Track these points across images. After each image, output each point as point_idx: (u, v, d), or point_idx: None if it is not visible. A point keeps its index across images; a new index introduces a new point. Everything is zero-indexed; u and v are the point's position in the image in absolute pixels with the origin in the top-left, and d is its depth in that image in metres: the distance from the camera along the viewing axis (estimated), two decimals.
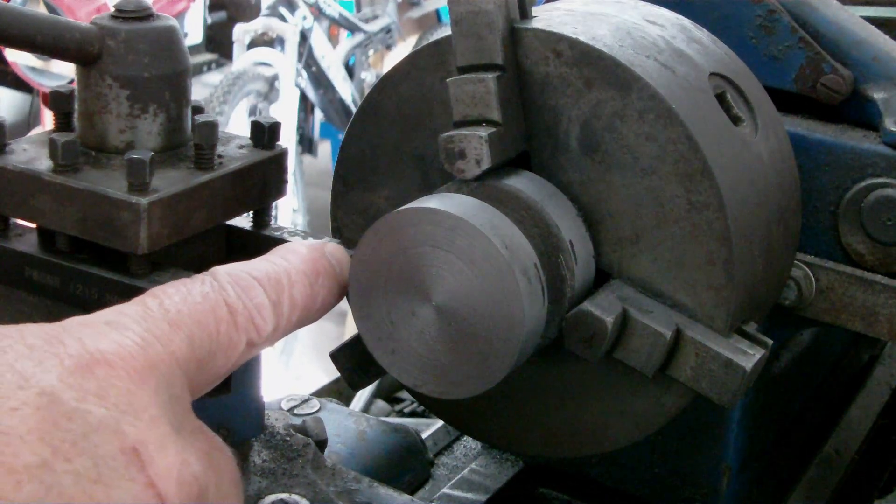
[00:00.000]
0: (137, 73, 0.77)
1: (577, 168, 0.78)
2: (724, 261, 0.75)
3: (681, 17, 0.88)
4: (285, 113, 5.48)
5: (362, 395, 1.91)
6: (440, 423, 1.22)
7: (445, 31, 0.80)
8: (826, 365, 1.33)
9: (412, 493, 1.10)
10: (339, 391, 1.69)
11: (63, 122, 0.81)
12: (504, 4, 0.76)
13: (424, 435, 1.19)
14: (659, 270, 0.77)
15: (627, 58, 0.76)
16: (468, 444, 1.21)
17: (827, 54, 0.99)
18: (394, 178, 0.86)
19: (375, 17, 6.78)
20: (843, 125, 1.00)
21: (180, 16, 6.28)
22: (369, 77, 6.60)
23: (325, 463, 0.88)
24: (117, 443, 0.54)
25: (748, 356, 0.75)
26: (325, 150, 6.55)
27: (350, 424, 1.12)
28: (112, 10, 0.78)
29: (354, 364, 0.87)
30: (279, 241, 0.82)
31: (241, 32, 5.67)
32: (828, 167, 0.98)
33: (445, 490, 1.11)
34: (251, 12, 6.24)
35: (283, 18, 5.69)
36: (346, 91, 6.15)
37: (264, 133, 0.83)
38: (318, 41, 5.91)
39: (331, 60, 6.03)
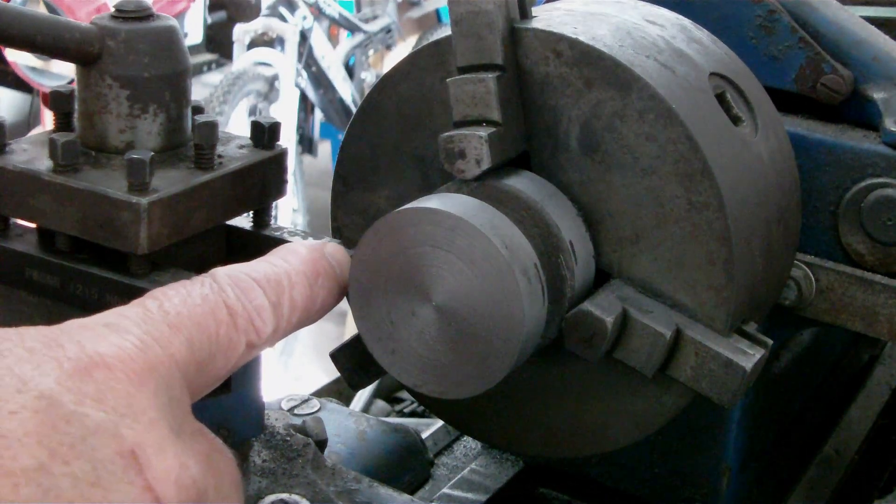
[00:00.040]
0: (137, 73, 0.77)
1: (577, 168, 0.78)
2: (724, 261, 0.75)
3: (681, 17, 0.88)
4: (285, 113, 5.48)
5: (362, 395, 1.91)
6: (440, 423, 1.22)
7: (445, 31, 0.80)
8: (826, 365, 1.33)
9: (412, 493, 1.10)
10: (339, 391, 1.69)
11: (63, 122, 0.81)
12: (504, 4, 0.76)
13: (424, 435, 1.19)
14: (659, 270, 0.77)
15: (627, 58, 0.76)
16: (468, 444, 1.21)
17: (827, 54, 0.99)
18: (394, 178, 0.86)
19: (375, 17, 6.79)
20: (843, 125, 1.00)
21: (180, 16, 6.27)
22: (369, 77, 6.60)
23: (325, 463, 0.88)
24: (115, 446, 0.54)
25: (748, 356, 0.75)
26: (325, 150, 6.55)
27: (350, 424, 1.12)
28: (112, 10, 0.78)
29: (354, 364, 0.87)
30: (279, 242, 0.82)
31: (241, 32, 5.67)
32: (828, 167, 0.98)
33: (445, 490, 1.11)
34: (251, 12, 6.24)
35: (283, 18, 5.69)
36: (346, 91, 6.15)
37: (264, 133, 0.83)
38: (318, 41, 5.91)
39: (331, 60, 6.03)
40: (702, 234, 0.75)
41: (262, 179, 0.82)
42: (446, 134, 0.75)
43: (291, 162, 3.84)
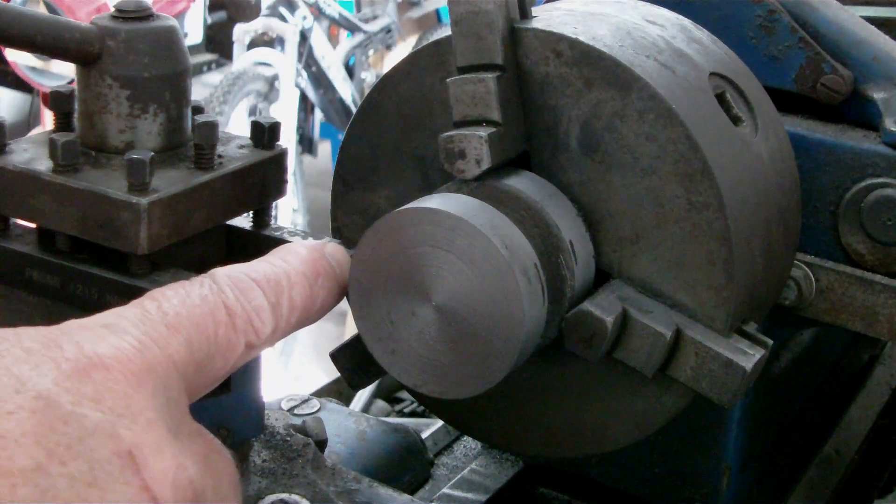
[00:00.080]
0: (137, 73, 0.77)
1: (577, 168, 0.78)
2: (724, 261, 0.75)
3: (681, 17, 0.88)
4: (285, 113, 5.48)
5: (362, 395, 1.91)
6: (440, 423, 1.22)
7: (445, 31, 0.80)
8: (826, 365, 1.33)
9: (412, 493, 1.10)
10: (339, 391, 1.69)
11: (63, 122, 0.81)
12: (504, 4, 0.76)
13: (424, 435, 1.19)
14: (659, 270, 0.77)
15: (627, 58, 0.76)
16: (468, 444, 1.21)
17: (827, 54, 0.99)
18: (394, 178, 0.86)
19: (375, 17, 6.79)
20: (843, 125, 1.00)
21: (180, 16, 6.27)
22: (369, 77, 6.60)
23: (325, 463, 0.88)
24: (113, 446, 0.54)
25: (748, 356, 0.75)
26: (325, 150, 6.55)
27: (350, 424, 1.12)
28: (112, 10, 0.78)
29: (354, 364, 0.87)
30: (279, 241, 0.82)
31: (241, 32, 5.67)
32: (828, 167, 0.98)
33: (445, 490, 1.11)
34: (251, 12, 6.24)
35: (283, 18, 5.69)
36: (346, 91, 6.15)
37: (264, 133, 0.83)
38: (318, 41, 5.91)
39: (331, 60, 6.03)
40: (702, 234, 0.75)
41: (262, 179, 0.82)
42: (446, 134, 0.75)
43: (291, 162, 3.84)
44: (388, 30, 6.82)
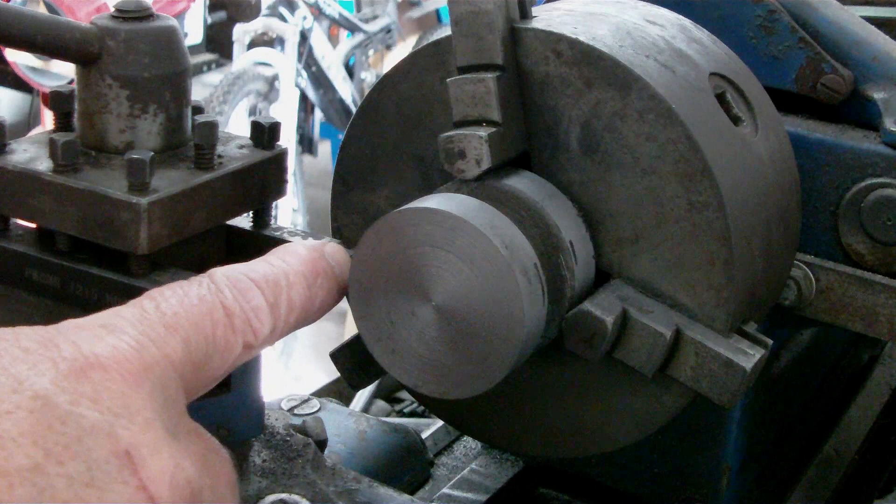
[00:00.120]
0: (137, 73, 0.77)
1: (577, 168, 0.78)
2: (724, 261, 0.75)
3: (681, 17, 0.88)
4: (285, 113, 5.48)
5: (362, 395, 1.91)
6: (440, 423, 1.22)
7: (445, 31, 0.80)
8: (826, 365, 1.33)
9: (412, 493, 1.10)
10: (339, 391, 1.69)
11: (63, 122, 0.81)
12: (504, 4, 0.76)
13: (424, 435, 1.19)
14: (659, 270, 0.77)
15: (627, 58, 0.76)
16: (468, 444, 1.21)
17: (827, 54, 0.99)
18: (394, 178, 0.86)
19: (375, 17, 6.78)
20: (843, 125, 1.00)
21: (180, 16, 6.26)
22: (369, 77, 6.60)
23: (325, 463, 0.88)
24: (110, 446, 0.54)
25: (748, 356, 0.75)
26: (325, 150, 6.55)
27: (350, 424, 1.12)
28: (112, 10, 0.78)
29: (354, 364, 0.87)
30: (279, 242, 0.82)
31: (241, 32, 5.67)
32: (828, 167, 0.98)
33: (445, 490, 1.11)
34: (251, 12, 6.24)
35: (283, 18, 5.69)
36: (346, 91, 6.15)
37: (264, 133, 0.83)
38: (318, 41, 5.91)
39: (331, 60, 6.03)
40: (702, 234, 0.75)
41: (262, 179, 0.82)
42: (446, 134, 0.75)
43: (291, 162, 3.84)
44: (388, 30, 6.82)
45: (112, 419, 0.55)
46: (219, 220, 0.79)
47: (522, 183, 0.77)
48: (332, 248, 0.74)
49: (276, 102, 5.54)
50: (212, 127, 0.77)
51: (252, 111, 5.40)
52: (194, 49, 7.19)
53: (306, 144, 6.14)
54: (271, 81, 5.51)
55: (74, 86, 0.80)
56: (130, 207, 0.72)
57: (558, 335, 0.76)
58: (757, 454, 1.11)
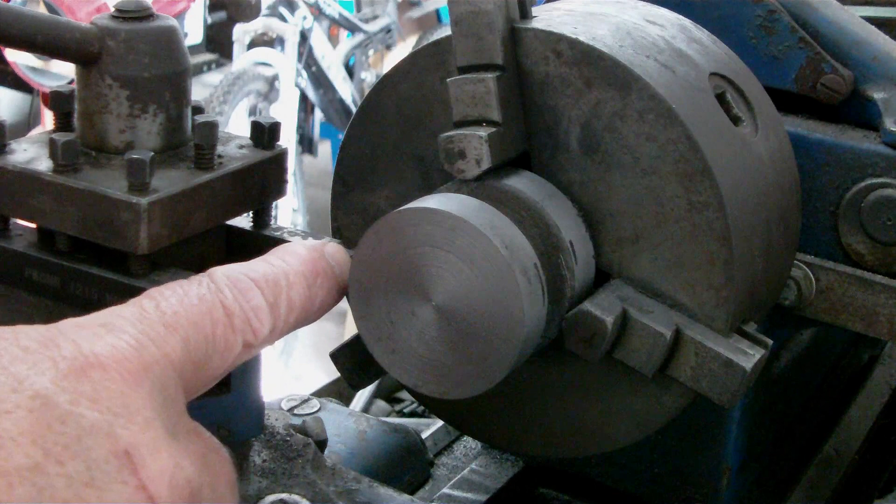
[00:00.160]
0: (137, 73, 0.77)
1: (577, 168, 0.78)
2: (724, 261, 0.75)
3: (681, 17, 0.88)
4: (285, 113, 5.48)
5: (362, 395, 1.92)
6: (440, 423, 1.22)
7: (445, 31, 0.80)
8: (826, 365, 1.33)
9: (412, 493, 1.10)
10: (339, 391, 1.69)
11: (63, 122, 0.81)
12: (504, 4, 0.76)
13: (424, 435, 1.19)
14: (659, 270, 0.77)
15: (627, 58, 0.76)
16: (468, 444, 1.21)
17: (827, 54, 0.99)
18: (394, 178, 0.86)
19: (375, 17, 6.78)
20: (843, 125, 1.00)
21: (180, 16, 6.26)
22: (369, 77, 6.60)
23: (325, 463, 0.88)
24: (110, 446, 0.54)
25: (748, 356, 0.75)
26: (325, 150, 6.55)
27: (350, 424, 1.12)
28: (112, 10, 0.78)
29: (354, 364, 0.87)
30: (279, 242, 0.82)
31: (241, 32, 5.67)
32: (828, 167, 0.98)
33: (445, 490, 1.11)
34: (251, 12, 6.24)
35: (283, 18, 5.69)
36: (346, 91, 6.15)
37: (264, 133, 0.83)
38: (318, 41, 5.91)
39: (331, 60, 6.03)
40: (702, 234, 0.75)
41: (262, 179, 0.82)
42: (446, 134, 0.75)
43: (291, 162, 3.84)
44: (388, 30, 6.82)
45: (111, 419, 0.55)
46: (219, 220, 0.79)
47: (522, 183, 0.77)
48: (332, 248, 0.74)
49: (276, 102, 5.54)
50: (212, 127, 0.77)
51: (252, 111, 5.40)
52: (194, 49, 7.19)
53: (306, 144, 6.14)
54: (271, 81, 5.51)
55: (74, 86, 0.80)
56: (130, 207, 0.72)
57: (558, 335, 0.76)
58: (757, 454, 1.11)
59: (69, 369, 0.56)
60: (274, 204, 0.85)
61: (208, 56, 7.60)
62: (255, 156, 0.82)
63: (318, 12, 5.98)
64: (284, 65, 5.55)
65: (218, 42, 7.49)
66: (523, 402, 0.85)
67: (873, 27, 1.03)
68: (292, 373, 4.86)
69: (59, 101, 0.81)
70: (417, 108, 0.83)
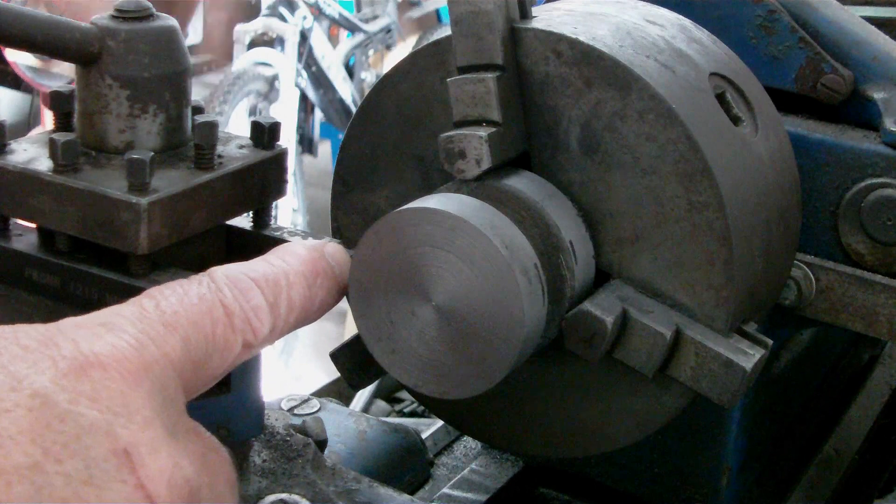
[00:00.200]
0: (137, 73, 0.77)
1: (577, 168, 0.78)
2: (724, 261, 0.75)
3: (681, 17, 0.88)
4: (285, 113, 5.48)
5: (362, 395, 1.92)
6: (440, 423, 1.22)
7: (445, 31, 0.80)
8: (826, 365, 1.33)
9: (412, 493, 1.10)
10: (339, 391, 1.69)
11: (63, 122, 0.81)
12: (504, 4, 0.76)
13: (424, 435, 1.19)
14: (659, 270, 0.77)
15: (627, 58, 0.76)
16: (468, 444, 1.21)
17: (827, 54, 0.99)
18: (394, 178, 0.86)
19: (375, 17, 6.78)
20: (843, 125, 1.00)
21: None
22: (369, 77, 6.60)
23: (325, 463, 0.88)
24: (109, 445, 0.54)
25: (748, 356, 0.75)
26: (325, 150, 6.55)
27: (350, 424, 1.12)
28: (112, 10, 0.78)
29: (354, 364, 0.87)
30: (279, 242, 0.82)
31: (241, 32, 5.67)
32: (828, 167, 0.98)
33: (445, 490, 1.11)
34: (251, 12, 6.24)
35: (283, 18, 5.69)
36: (346, 91, 6.15)
37: (264, 133, 0.83)
38: (318, 41, 5.91)
39: (331, 60, 6.03)
40: (702, 234, 0.75)
41: (262, 179, 0.82)
42: (446, 134, 0.75)
43: (291, 162, 3.84)
44: (388, 30, 6.82)
45: (111, 418, 0.55)
46: (219, 220, 0.79)
47: (522, 183, 0.77)
48: (333, 248, 0.74)
49: (276, 102, 5.54)
50: (212, 127, 0.77)
51: (252, 111, 5.40)
52: (194, 49, 7.19)
53: (306, 144, 6.14)
54: (271, 81, 5.51)
55: (74, 86, 0.80)
56: (130, 207, 0.72)
57: (558, 335, 0.76)
58: (757, 454, 1.11)
59: (69, 368, 0.56)
60: (274, 204, 0.85)
61: (208, 56, 7.60)
62: (255, 156, 0.82)
63: (318, 12, 5.98)
64: (284, 65, 5.55)
65: (218, 42, 7.49)
66: (523, 402, 0.85)
67: (873, 27, 1.03)
68: (292, 373, 4.86)
69: (59, 101, 0.81)
70: (417, 108, 0.83)
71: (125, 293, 0.72)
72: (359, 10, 6.89)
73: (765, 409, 1.10)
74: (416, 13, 7.59)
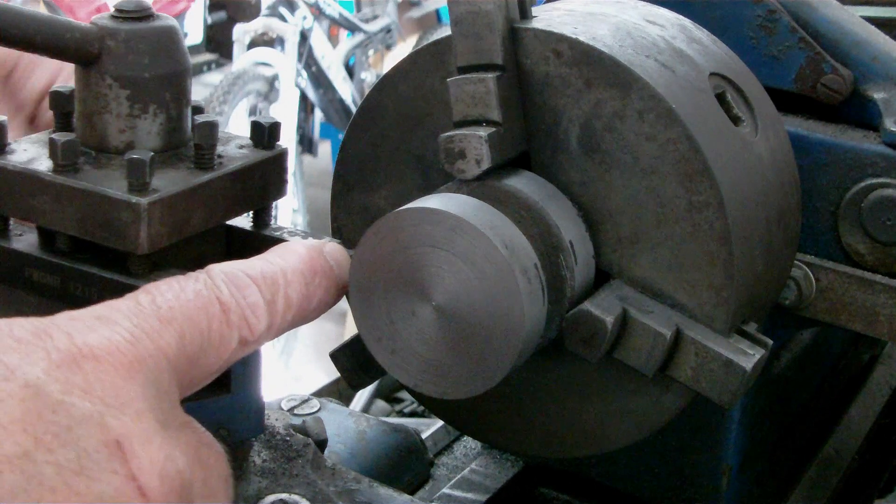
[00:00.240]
0: (137, 73, 0.77)
1: (577, 168, 0.78)
2: (724, 261, 0.75)
3: (681, 17, 0.88)
4: (285, 113, 5.49)
5: (362, 395, 1.92)
6: (440, 423, 1.22)
7: (445, 31, 0.80)
8: (826, 365, 1.33)
9: (412, 493, 1.10)
10: (339, 391, 1.69)
11: (63, 122, 0.81)
12: (504, 4, 0.76)
13: (424, 435, 1.19)
14: (659, 270, 0.77)
15: (627, 58, 0.76)
16: (468, 444, 1.21)
17: (827, 54, 0.99)
18: (394, 178, 0.86)
19: (375, 17, 6.79)
20: (843, 125, 1.00)
21: (180, 16, 6.27)
22: (369, 77, 6.60)
23: (325, 463, 0.88)
24: (101, 436, 0.55)
25: (748, 356, 0.75)
26: (325, 150, 6.55)
27: (350, 424, 1.12)
28: (112, 10, 0.78)
29: (354, 364, 0.87)
30: (279, 241, 0.81)
31: (241, 32, 5.67)
32: (828, 167, 0.98)
33: (445, 490, 1.11)
34: (251, 12, 6.24)
35: (283, 18, 5.69)
36: (346, 91, 6.15)
37: (264, 133, 0.83)
38: (318, 41, 5.91)
39: (331, 60, 6.03)
40: (702, 234, 0.75)
41: (262, 179, 0.82)
42: (446, 134, 0.75)
43: (291, 162, 3.84)
44: (388, 30, 6.82)
45: (103, 409, 0.55)
46: (219, 220, 0.79)
47: (522, 183, 0.77)
48: (332, 248, 0.74)
49: (276, 102, 5.55)
50: (212, 127, 0.77)
51: (252, 111, 5.40)
52: (194, 49, 7.20)
53: (306, 144, 6.15)
54: (271, 81, 5.51)
55: (74, 86, 0.80)
56: (130, 207, 0.72)
57: (558, 335, 0.76)
58: (757, 454, 1.11)
59: (62, 360, 0.56)
60: (274, 204, 0.85)
61: (208, 56, 7.61)
62: (255, 156, 0.82)
63: (318, 12, 5.98)
64: (284, 65, 5.55)
65: (218, 42, 7.49)
66: (523, 402, 0.85)
67: (873, 27, 1.03)
68: (292, 373, 4.87)
69: (59, 101, 0.81)
70: (417, 108, 0.83)
71: (125, 293, 0.72)
72: (359, 10, 6.89)
73: (765, 409, 1.10)
74: (416, 13, 7.59)
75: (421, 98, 0.83)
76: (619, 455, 1.07)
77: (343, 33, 6.66)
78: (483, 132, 0.74)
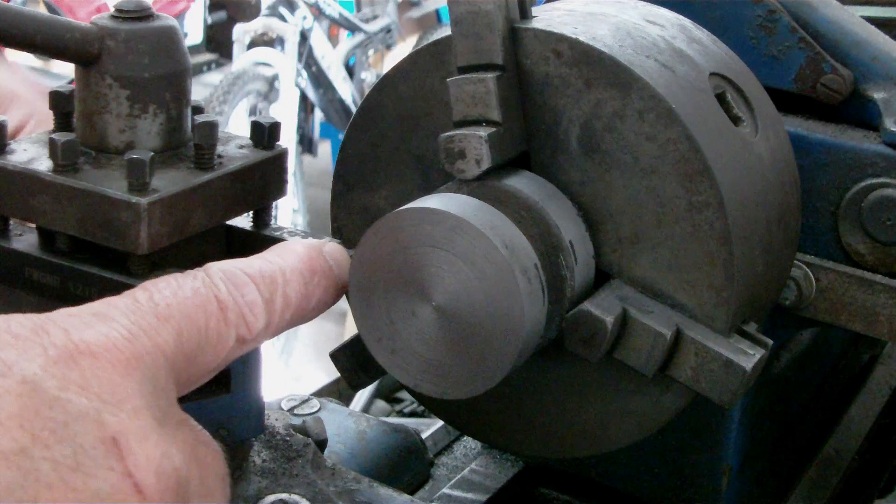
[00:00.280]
0: (137, 73, 0.77)
1: (577, 168, 0.78)
2: (724, 261, 0.75)
3: (681, 17, 0.88)
4: (285, 113, 5.49)
5: (362, 395, 1.92)
6: (440, 423, 1.22)
7: (445, 31, 0.80)
8: (826, 365, 1.33)
9: (412, 493, 1.10)
10: (339, 391, 1.69)
11: (63, 122, 0.81)
12: (504, 4, 0.76)
13: (424, 435, 1.19)
14: (659, 270, 0.77)
15: (627, 58, 0.76)
16: (468, 444, 1.21)
17: (827, 54, 0.99)
18: (394, 178, 0.86)
19: (375, 17, 6.79)
20: (843, 125, 1.00)
21: (180, 16, 6.27)
22: (369, 77, 6.61)
23: (325, 463, 0.88)
24: (97, 432, 0.55)
25: (748, 356, 0.75)
26: (325, 150, 6.55)
27: (350, 424, 1.12)
28: (112, 10, 0.78)
29: (354, 364, 0.87)
30: (279, 241, 0.82)
31: (241, 32, 5.67)
32: (828, 167, 0.98)
33: (445, 490, 1.11)
34: (251, 12, 6.24)
35: (283, 18, 5.69)
36: (346, 91, 6.15)
37: (264, 133, 0.83)
38: (318, 41, 5.91)
39: (331, 60, 6.03)
40: (702, 234, 0.75)
41: (262, 179, 0.82)
42: (446, 134, 0.75)
43: (291, 162, 3.84)
44: (388, 30, 6.82)
45: (100, 405, 0.55)
46: (219, 220, 0.79)
47: (522, 183, 0.77)
48: (332, 248, 0.74)
49: (276, 102, 5.55)
50: (212, 127, 0.77)
51: (252, 111, 5.41)
52: (194, 49, 7.20)
53: (306, 144, 6.15)
54: (271, 81, 5.51)
55: (74, 86, 0.80)
56: (130, 207, 0.72)
57: (558, 335, 0.76)
58: (757, 454, 1.11)
59: (59, 356, 0.56)
60: (274, 204, 0.85)
61: (208, 56, 7.61)
62: (255, 156, 0.81)
63: (318, 12, 5.98)
64: (284, 65, 5.55)
65: (218, 42, 7.49)
66: (523, 402, 0.85)
67: (873, 27, 1.03)
68: (292, 373, 4.86)
69: (59, 101, 0.81)
70: (417, 108, 0.83)
71: None
72: (359, 10, 6.89)
73: (765, 409, 1.10)
74: (416, 13, 7.59)
75: (421, 98, 0.83)
76: (619, 455, 1.07)
77: (343, 33, 6.66)
78: (483, 132, 0.74)
